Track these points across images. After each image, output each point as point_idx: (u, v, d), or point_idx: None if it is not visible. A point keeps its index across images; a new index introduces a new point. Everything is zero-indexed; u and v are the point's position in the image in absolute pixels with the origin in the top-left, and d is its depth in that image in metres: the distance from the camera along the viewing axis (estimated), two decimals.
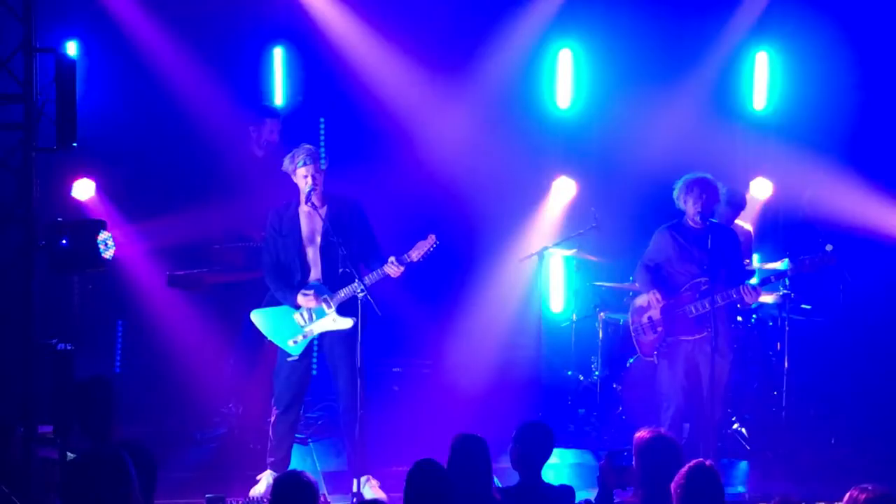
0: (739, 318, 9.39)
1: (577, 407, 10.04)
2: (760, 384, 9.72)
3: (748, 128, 10.87)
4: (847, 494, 5.02)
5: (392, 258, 7.73)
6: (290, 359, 7.89)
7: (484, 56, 10.51)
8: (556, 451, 6.12)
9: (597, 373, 9.94)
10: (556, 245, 9.92)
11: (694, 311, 8.11)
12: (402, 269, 7.73)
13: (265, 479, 7.89)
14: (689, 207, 8.16)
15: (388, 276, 7.74)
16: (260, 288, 8.23)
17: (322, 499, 7.39)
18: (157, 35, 9.90)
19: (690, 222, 8.21)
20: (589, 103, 10.81)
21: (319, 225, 7.85)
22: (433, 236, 7.81)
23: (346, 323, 7.79)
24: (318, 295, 7.79)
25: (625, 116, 10.49)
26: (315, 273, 7.88)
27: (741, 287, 8.05)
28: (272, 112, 9.89)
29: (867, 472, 7.90)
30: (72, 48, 9.19)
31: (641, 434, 5.72)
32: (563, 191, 10.73)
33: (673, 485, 5.15)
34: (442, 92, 10.44)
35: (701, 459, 5.33)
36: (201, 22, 9.98)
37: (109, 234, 7.12)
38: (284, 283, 7.89)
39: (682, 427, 8.32)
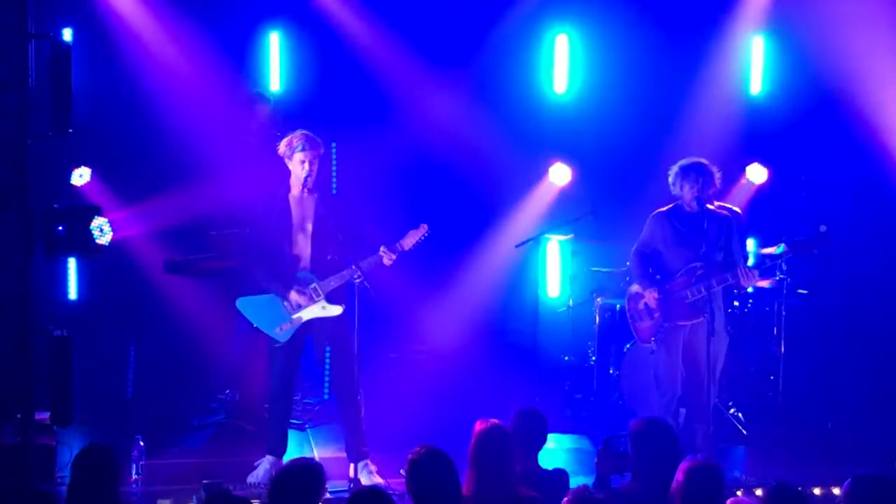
0: (736, 303, 9.38)
1: (574, 392, 10.05)
2: (757, 369, 9.73)
3: (744, 112, 10.84)
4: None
5: (383, 247, 7.71)
6: (277, 345, 7.88)
7: (480, 41, 10.48)
8: (553, 436, 6.16)
9: (594, 358, 9.95)
10: (553, 230, 9.91)
11: (690, 296, 8.09)
12: (394, 257, 7.73)
13: (263, 466, 7.89)
14: (685, 192, 8.12)
15: (381, 264, 7.74)
16: None
17: None
18: (152, 19, 9.87)
19: (686, 207, 8.18)
20: (585, 88, 10.79)
21: (311, 212, 7.81)
22: (425, 226, 7.82)
23: (335, 310, 7.78)
24: (308, 284, 7.77)
25: (621, 101, 10.47)
26: (304, 260, 7.83)
27: (737, 271, 8.04)
28: (266, 97, 9.87)
29: (864, 457, 7.94)
30: (67, 34, 9.15)
31: (637, 420, 5.74)
32: (559, 176, 10.73)
33: (673, 483, 5.12)
34: (438, 77, 10.42)
35: (704, 457, 5.31)
36: (195, 5, 9.95)
37: (105, 220, 7.08)
38: (273, 271, 7.83)
39: (679, 412, 8.33)
